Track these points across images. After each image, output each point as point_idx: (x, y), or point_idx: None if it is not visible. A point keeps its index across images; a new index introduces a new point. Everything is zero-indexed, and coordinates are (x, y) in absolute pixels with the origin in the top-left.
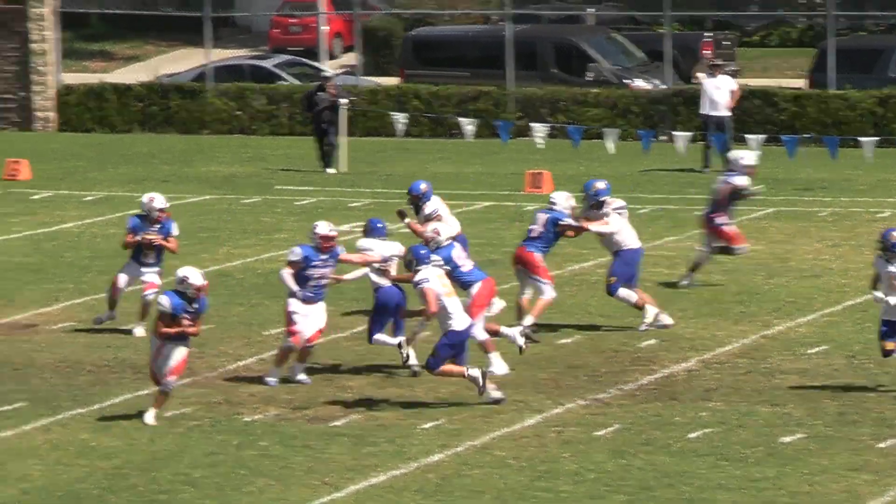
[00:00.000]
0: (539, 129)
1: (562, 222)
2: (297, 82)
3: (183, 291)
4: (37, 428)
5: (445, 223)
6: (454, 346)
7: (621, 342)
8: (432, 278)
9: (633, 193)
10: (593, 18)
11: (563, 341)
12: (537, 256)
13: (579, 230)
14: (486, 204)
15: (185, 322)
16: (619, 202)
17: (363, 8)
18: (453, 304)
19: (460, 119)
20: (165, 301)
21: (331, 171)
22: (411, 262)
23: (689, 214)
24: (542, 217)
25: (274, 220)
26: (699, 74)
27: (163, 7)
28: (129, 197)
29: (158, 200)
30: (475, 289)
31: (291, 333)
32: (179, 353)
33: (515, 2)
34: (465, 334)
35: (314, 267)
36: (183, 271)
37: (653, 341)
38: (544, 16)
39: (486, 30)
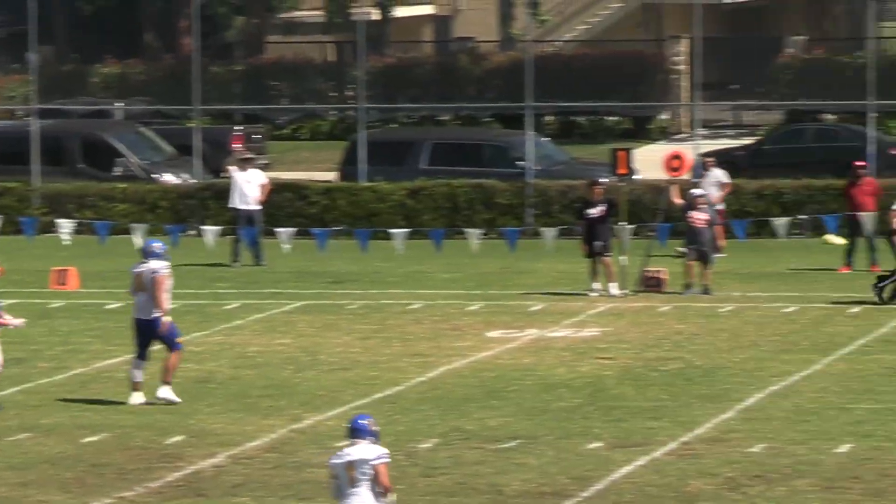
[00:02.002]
0: (65, 226)
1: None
2: None
3: None
4: None
5: None
6: None
7: (149, 439)
8: None
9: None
10: (122, 113)
11: (89, 439)
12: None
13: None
14: (12, 301)
15: None
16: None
17: None
18: None
19: None
20: None
21: None
22: None
23: (219, 309)
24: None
25: None
26: (229, 168)
27: None
28: None
29: None
30: None
31: None
32: None
33: (41, 96)
34: None
35: None
36: None
37: (180, 438)
38: (72, 111)
39: (9, 125)
